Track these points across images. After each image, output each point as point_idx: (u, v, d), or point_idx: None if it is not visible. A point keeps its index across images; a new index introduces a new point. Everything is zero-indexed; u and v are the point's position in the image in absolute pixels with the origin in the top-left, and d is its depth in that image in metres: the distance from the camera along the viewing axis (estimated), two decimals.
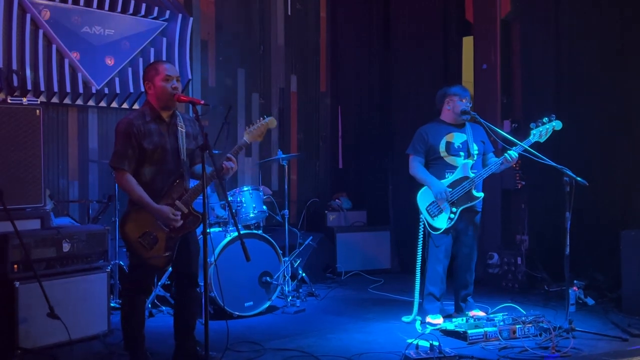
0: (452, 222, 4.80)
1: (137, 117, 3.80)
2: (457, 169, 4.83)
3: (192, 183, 3.99)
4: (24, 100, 4.65)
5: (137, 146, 3.73)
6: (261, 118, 4.00)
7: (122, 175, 3.74)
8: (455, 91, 4.95)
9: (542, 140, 4.66)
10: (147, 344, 3.99)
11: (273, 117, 4.02)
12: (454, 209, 4.79)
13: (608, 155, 5.94)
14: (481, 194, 4.82)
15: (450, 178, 4.83)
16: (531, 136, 4.65)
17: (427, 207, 4.86)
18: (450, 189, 4.79)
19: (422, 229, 4.90)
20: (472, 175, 4.78)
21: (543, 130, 4.64)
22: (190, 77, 6.59)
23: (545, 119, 4.67)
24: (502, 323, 4.48)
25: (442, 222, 4.82)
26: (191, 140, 3.94)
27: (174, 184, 3.81)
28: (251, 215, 5.45)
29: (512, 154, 4.68)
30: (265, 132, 3.99)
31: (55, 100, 5.78)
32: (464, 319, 4.64)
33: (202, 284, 3.90)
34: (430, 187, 4.83)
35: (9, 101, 4.59)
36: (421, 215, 4.89)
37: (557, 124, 4.67)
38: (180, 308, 4.04)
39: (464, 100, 4.90)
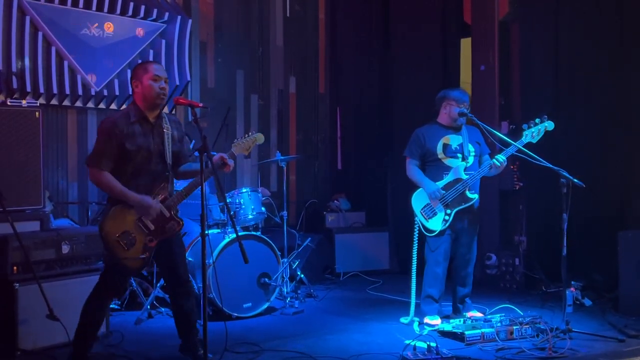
0: (447, 224, 4.82)
1: (122, 118, 3.78)
2: (450, 171, 4.85)
3: (181, 184, 3.99)
4: (24, 102, 4.66)
5: (117, 147, 3.71)
6: (250, 133, 4.06)
7: (97, 172, 3.71)
8: (454, 96, 4.96)
9: (534, 141, 4.68)
10: (147, 345, 4.02)
11: (261, 133, 4.08)
12: (448, 211, 4.81)
13: (606, 156, 5.95)
14: (475, 196, 4.84)
15: (444, 180, 4.85)
16: (523, 137, 4.68)
17: (422, 209, 4.88)
18: (444, 191, 4.81)
19: (417, 231, 4.92)
20: (465, 177, 4.80)
21: (535, 130, 4.67)
22: (189, 78, 6.60)
23: (537, 120, 4.69)
24: (499, 324, 4.50)
25: (436, 224, 4.84)
26: (176, 143, 3.93)
27: (158, 187, 3.81)
28: (250, 216, 5.46)
29: (500, 157, 4.69)
30: (252, 146, 4.06)
31: (54, 102, 5.80)
32: (462, 320, 4.66)
33: (201, 285, 3.93)
34: (424, 189, 4.86)
35: (9, 103, 4.60)
36: (416, 218, 4.91)
37: (549, 125, 4.69)
38: (176, 308, 4.05)
39: (461, 106, 4.92)
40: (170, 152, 3.87)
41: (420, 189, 4.90)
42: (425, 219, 4.87)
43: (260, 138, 4.07)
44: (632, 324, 4.77)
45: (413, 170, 4.99)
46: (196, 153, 3.69)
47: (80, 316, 3.87)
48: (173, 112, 6.26)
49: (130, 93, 6.09)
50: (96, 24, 5.99)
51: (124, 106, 6.21)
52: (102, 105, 6.12)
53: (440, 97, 5.04)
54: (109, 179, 3.72)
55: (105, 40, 6.06)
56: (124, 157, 3.74)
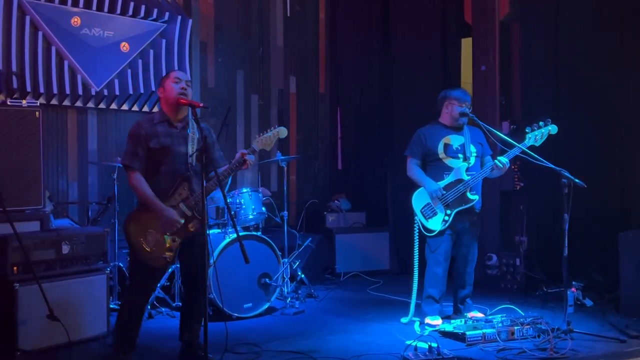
0: (447, 224, 4.81)
1: (146, 120, 3.98)
2: (452, 172, 4.84)
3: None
4: (24, 102, 4.65)
5: (145, 146, 3.85)
6: (272, 127, 4.08)
7: (133, 174, 3.85)
8: (456, 95, 4.95)
9: (537, 144, 4.68)
10: (147, 345, 4.02)
11: (284, 127, 4.09)
12: (448, 211, 4.80)
13: (607, 156, 5.95)
14: (476, 197, 4.82)
15: (445, 180, 4.84)
16: (527, 140, 4.66)
17: (422, 209, 4.88)
18: (444, 191, 4.80)
19: (417, 231, 4.91)
20: (466, 178, 4.79)
21: (538, 134, 4.66)
22: (189, 78, 6.57)
23: (541, 123, 4.68)
24: (500, 324, 4.49)
25: (436, 224, 4.83)
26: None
27: (179, 187, 3.87)
28: (250, 216, 5.46)
29: (503, 159, 4.68)
30: (275, 141, 4.08)
31: (54, 102, 5.79)
32: (463, 320, 4.65)
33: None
34: (425, 187, 4.85)
35: (9, 103, 4.59)
36: (416, 217, 4.91)
37: (552, 128, 4.68)
38: (185, 308, 4.12)
39: (463, 105, 4.91)
40: (195, 153, 3.92)
41: (421, 188, 4.90)
42: (425, 218, 4.87)
43: (282, 132, 4.10)
44: (633, 324, 4.76)
45: (414, 169, 4.98)
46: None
47: (116, 320, 3.95)
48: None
49: (130, 93, 6.17)
50: (96, 24, 5.98)
51: (124, 106, 6.22)
52: (102, 105, 6.11)
53: (442, 97, 5.03)
54: (140, 182, 3.84)
55: (106, 40, 6.05)
56: (149, 156, 3.86)
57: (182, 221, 3.84)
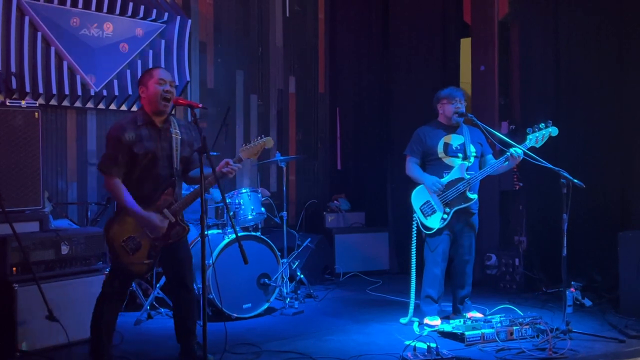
0: (446, 222, 4.81)
1: (129, 122, 3.81)
2: (452, 170, 4.84)
3: (188, 189, 3.98)
4: (23, 102, 4.65)
5: (127, 152, 3.73)
6: (259, 137, 4.03)
7: (111, 180, 3.74)
8: (444, 94, 4.96)
9: (538, 146, 4.68)
10: (146, 345, 4.00)
11: (270, 137, 4.03)
12: (447, 209, 4.80)
13: (606, 156, 5.95)
14: (475, 196, 4.82)
15: (445, 178, 4.84)
16: (527, 141, 4.66)
17: (421, 206, 4.88)
18: (444, 182, 4.80)
19: (416, 229, 4.91)
20: (467, 176, 4.79)
21: (539, 135, 4.65)
22: (188, 79, 6.59)
23: (542, 125, 4.67)
24: (499, 325, 4.50)
25: (435, 222, 4.83)
26: (185, 147, 3.93)
27: (163, 192, 3.80)
28: (249, 217, 5.46)
29: (518, 150, 4.65)
30: (261, 151, 3.98)
31: (53, 102, 5.79)
32: (462, 320, 4.65)
33: (200, 285, 3.92)
34: (424, 182, 4.85)
35: (8, 103, 4.59)
36: (414, 215, 4.91)
37: (553, 130, 4.68)
38: (177, 311, 4.06)
39: (453, 102, 4.91)
40: (178, 157, 3.87)
41: (421, 186, 4.90)
42: (424, 216, 4.87)
43: (269, 142, 4.01)
44: (633, 324, 4.77)
45: (412, 167, 4.98)
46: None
47: (90, 324, 3.88)
48: (172, 112, 6.24)
49: (130, 93, 6.17)
50: (95, 24, 5.99)
51: (123, 106, 6.21)
52: (101, 106, 6.11)
53: (435, 100, 5.06)
54: (121, 190, 3.73)
55: (105, 40, 6.05)
56: (132, 162, 3.75)
57: (166, 223, 3.77)
